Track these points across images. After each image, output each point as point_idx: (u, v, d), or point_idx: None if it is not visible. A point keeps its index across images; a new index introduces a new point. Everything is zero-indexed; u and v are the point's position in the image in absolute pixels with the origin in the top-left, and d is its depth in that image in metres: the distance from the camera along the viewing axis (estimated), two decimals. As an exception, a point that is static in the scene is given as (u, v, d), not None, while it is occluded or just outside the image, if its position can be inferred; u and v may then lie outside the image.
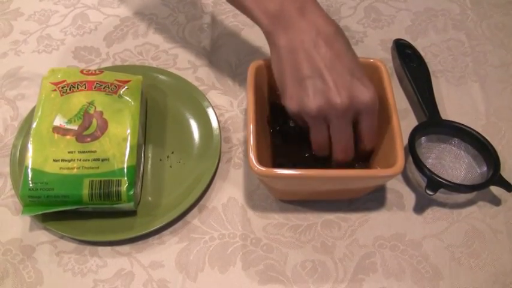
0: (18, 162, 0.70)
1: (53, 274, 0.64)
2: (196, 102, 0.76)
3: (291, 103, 0.61)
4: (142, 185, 0.70)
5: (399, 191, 0.71)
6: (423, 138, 0.72)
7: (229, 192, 0.70)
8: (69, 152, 0.65)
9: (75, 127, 0.67)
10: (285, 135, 0.70)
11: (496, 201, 0.70)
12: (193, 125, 0.75)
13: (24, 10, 0.92)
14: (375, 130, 0.63)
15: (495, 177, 0.67)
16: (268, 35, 0.63)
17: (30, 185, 0.63)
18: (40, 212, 0.64)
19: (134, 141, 0.67)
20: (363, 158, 0.67)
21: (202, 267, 0.64)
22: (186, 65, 0.83)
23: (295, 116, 0.62)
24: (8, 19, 0.90)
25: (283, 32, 0.61)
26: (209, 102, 0.76)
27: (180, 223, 0.68)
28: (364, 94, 0.58)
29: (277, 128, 0.70)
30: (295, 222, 0.68)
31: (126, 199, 0.64)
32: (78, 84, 0.70)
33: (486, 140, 0.70)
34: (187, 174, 0.71)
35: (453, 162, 0.71)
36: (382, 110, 0.66)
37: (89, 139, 0.66)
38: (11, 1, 0.93)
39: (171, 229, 0.67)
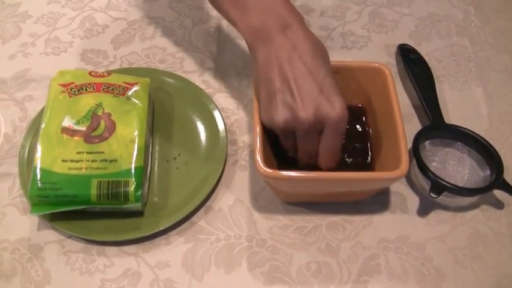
0: (26, 163, 0.71)
1: (61, 273, 0.65)
2: (203, 105, 0.77)
3: (263, 116, 0.63)
4: (149, 186, 0.70)
5: (403, 194, 0.72)
6: (427, 142, 0.73)
7: (235, 194, 0.71)
8: (77, 153, 0.66)
9: (83, 128, 0.68)
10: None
11: (499, 205, 0.70)
12: (200, 127, 0.76)
13: (32, 13, 0.92)
14: (337, 149, 0.63)
15: (498, 181, 0.68)
16: (250, 49, 0.64)
17: (39, 185, 0.64)
18: (48, 212, 0.65)
19: (142, 143, 0.68)
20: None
21: (208, 267, 0.65)
22: (192, 68, 0.84)
23: (268, 126, 0.64)
24: (17, 21, 0.91)
25: (263, 46, 0.62)
26: (215, 104, 0.77)
27: (186, 224, 0.68)
28: (330, 112, 0.59)
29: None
30: (300, 224, 0.69)
31: (133, 199, 0.64)
32: (86, 86, 0.71)
33: (489, 144, 0.71)
34: (194, 176, 0.71)
35: (456, 166, 0.72)
36: (386, 114, 0.67)
37: (97, 140, 0.67)
38: (20, 4, 0.94)
39: (177, 230, 0.68)
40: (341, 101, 0.60)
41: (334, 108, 0.59)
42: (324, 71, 0.61)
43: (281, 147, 0.67)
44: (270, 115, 0.61)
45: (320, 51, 0.62)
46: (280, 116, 0.60)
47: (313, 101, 0.59)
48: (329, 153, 0.63)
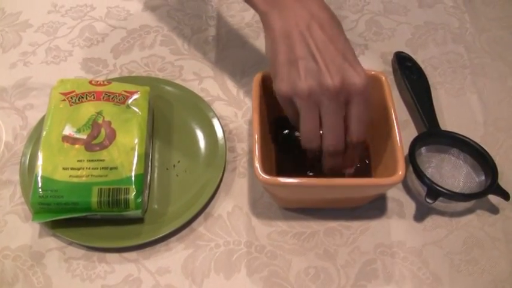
0: (27, 171, 0.72)
1: (62, 280, 0.65)
2: (202, 113, 0.78)
3: (282, 85, 0.60)
4: (149, 193, 0.71)
5: (400, 199, 0.72)
6: (423, 148, 0.74)
7: (234, 201, 0.72)
8: (78, 161, 0.67)
9: (84, 136, 0.68)
10: (288, 145, 0.72)
11: (493, 210, 0.71)
12: (199, 135, 0.77)
13: (32, 22, 0.93)
14: (365, 119, 0.61)
15: (493, 186, 0.69)
16: (263, 17, 0.63)
17: (41, 193, 0.64)
18: (50, 219, 0.65)
19: (142, 150, 0.68)
20: (352, 161, 0.67)
21: (208, 273, 0.66)
22: (191, 76, 0.85)
23: (285, 101, 0.61)
24: (17, 30, 0.92)
25: (278, 14, 0.61)
26: (214, 112, 0.78)
27: (186, 230, 0.69)
28: (356, 78, 0.58)
29: (281, 139, 0.72)
30: (298, 230, 0.69)
31: (134, 207, 0.65)
32: (86, 95, 0.72)
33: (484, 150, 0.72)
34: (193, 183, 0.72)
35: (452, 172, 0.72)
36: (383, 121, 0.67)
37: (97, 148, 0.68)
38: (20, 13, 0.94)
39: (177, 236, 0.69)
40: (363, 69, 0.60)
41: (360, 76, 0.58)
42: (343, 39, 0.61)
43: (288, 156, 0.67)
44: (292, 84, 0.59)
45: (337, 21, 0.62)
46: (305, 83, 0.58)
47: (338, 68, 0.58)
48: (359, 122, 0.61)
